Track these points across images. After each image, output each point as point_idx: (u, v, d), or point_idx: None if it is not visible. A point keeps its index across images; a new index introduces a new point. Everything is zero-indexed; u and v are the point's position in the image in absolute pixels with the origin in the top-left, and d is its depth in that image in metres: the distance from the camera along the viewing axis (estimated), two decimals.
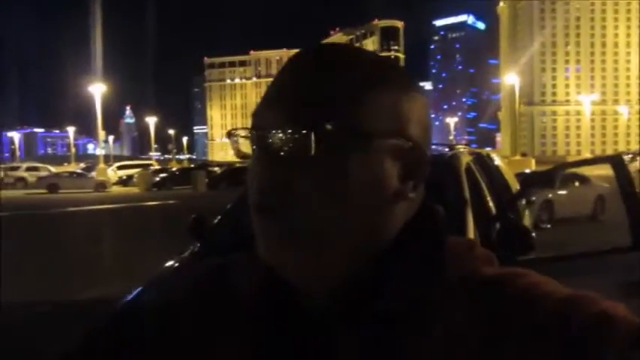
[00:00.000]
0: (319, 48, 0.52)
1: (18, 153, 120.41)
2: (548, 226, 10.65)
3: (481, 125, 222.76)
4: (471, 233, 2.59)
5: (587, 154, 67.35)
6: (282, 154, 0.47)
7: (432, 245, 0.50)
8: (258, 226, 0.49)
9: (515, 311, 0.44)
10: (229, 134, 0.51)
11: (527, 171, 15.88)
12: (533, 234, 2.78)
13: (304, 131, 0.46)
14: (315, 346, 0.48)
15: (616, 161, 2.64)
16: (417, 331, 0.46)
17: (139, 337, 0.54)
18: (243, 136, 0.51)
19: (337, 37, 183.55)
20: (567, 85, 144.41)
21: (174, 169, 39.15)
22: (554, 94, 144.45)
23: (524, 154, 60.90)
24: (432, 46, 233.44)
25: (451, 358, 0.45)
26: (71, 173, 35.37)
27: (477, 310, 0.45)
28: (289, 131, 0.47)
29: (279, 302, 0.51)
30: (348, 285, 0.48)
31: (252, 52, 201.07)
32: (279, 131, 0.47)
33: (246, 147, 0.50)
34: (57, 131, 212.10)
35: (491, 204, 3.31)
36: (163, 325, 0.54)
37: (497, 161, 4.53)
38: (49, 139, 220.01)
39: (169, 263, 3.45)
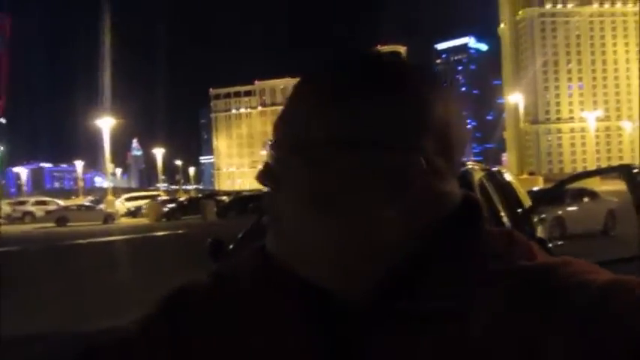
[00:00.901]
0: (319, 72, 0.53)
1: (25, 188, 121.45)
2: (561, 242, 10.60)
3: (487, 146, 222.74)
4: None
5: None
6: (275, 170, 0.50)
7: (471, 240, 0.50)
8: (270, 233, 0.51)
9: (556, 301, 0.43)
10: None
11: (536, 189, 15.86)
12: (550, 245, 2.81)
13: (287, 154, 0.49)
14: (356, 347, 0.48)
15: (624, 170, 2.68)
16: (457, 330, 0.45)
17: (196, 318, 0.54)
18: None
19: None
20: (571, 103, 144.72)
21: (182, 198, 39.30)
22: (558, 111, 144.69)
23: (531, 173, 60.65)
24: (435, 69, 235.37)
25: (494, 355, 0.44)
26: (80, 206, 35.69)
27: (519, 303, 0.45)
28: (276, 151, 0.50)
29: (316, 298, 0.51)
30: (383, 286, 0.48)
31: (256, 81, 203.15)
32: (275, 149, 0.51)
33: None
34: (65, 165, 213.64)
35: (505, 219, 3.34)
36: (221, 310, 0.54)
37: (509, 177, 4.56)
38: (56, 174, 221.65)
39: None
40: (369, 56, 0.52)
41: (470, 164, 3.81)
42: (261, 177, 0.51)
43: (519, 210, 3.99)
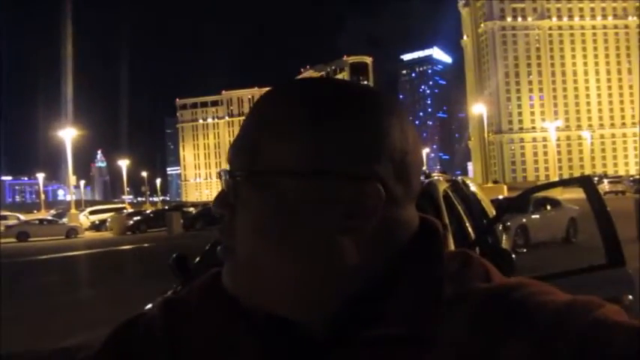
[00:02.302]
0: (272, 89, 0.52)
1: None
2: (524, 250, 10.80)
3: (452, 155, 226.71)
4: None
5: (555, 179, 68.94)
6: (227, 194, 0.50)
7: (429, 264, 0.49)
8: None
9: (514, 322, 0.44)
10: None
11: (501, 197, 16.17)
12: (513, 256, 2.84)
13: (237, 174, 0.49)
14: None
15: (585, 182, 2.73)
16: (417, 353, 0.45)
17: (145, 349, 0.54)
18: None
19: (308, 74, 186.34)
20: (532, 113, 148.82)
21: (148, 211, 38.62)
22: (520, 121, 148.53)
23: (495, 181, 61.98)
24: (401, 80, 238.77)
25: None
26: (41, 220, 34.48)
27: (478, 324, 0.45)
28: (225, 176, 0.50)
29: (278, 326, 0.50)
30: (343, 312, 0.48)
31: (223, 91, 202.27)
32: (227, 173, 0.50)
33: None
34: (25, 178, 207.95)
35: (470, 229, 3.38)
36: (172, 336, 0.54)
37: (473, 187, 4.63)
38: (17, 187, 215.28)
39: (149, 306, 3.39)
40: (322, 82, 0.52)
41: (434, 175, 3.84)
42: (217, 203, 0.50)
43: (484, 220, 4.05)
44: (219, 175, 0.50)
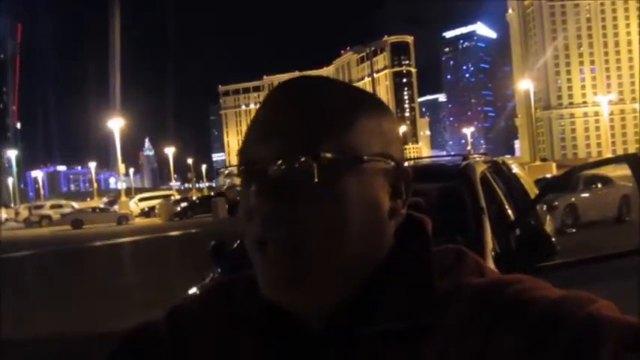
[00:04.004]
0: (298, 81, 0.52)
1: (42, 192, 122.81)
2: (573, 230, 10.46)
3: (498, 133, 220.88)
4: (489, 242, 2.56)
5: (608, 155, 66.20)
6: (283, 185, 0.47)
7: (421, 260, 0.50)
8: (260, 262, 0.48)
9: (508, 317, 0.44)
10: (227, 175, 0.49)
11: (549, 176, 15.69)
12: (553, 239, 2.74)
13: (303, 160, 0.47)
14: None
15: (633, 160, 2.60)
16: (412, 348, 0.46)
17: (152, 355, 0.55)
18: (236, 174, 0.51)
19: (348, 56, 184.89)
20: (583, 87, 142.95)
21: (194, 197, 39.47)
22: (570, 96, 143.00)
23: (544, 159, 60.03)
24: (444, 58, 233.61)
25: None
26: (94, 208, 35.87)
27: (472, 319, 0.45)
28: (291, 162, 0.47)
29: (279, 324, 0.51)
30: (342, 308, 0.49)
31: (265, 76, 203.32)
32: (279, 163, 0.47)
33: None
34: (79, 168, 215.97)
35: (509, 211, 3.27)
36: (175, 341, 0.55)
37: (515, 168, 4.48)
38: (71, 176, 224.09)
39: (192, 290, 3.47)
40: (352, 86, 0.54)
41: (473, 157, 3.74)
42: (274, 196, 0.48)
43: (525, 201, 3.92)
44: (246, 169, 0.50)
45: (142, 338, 0.57)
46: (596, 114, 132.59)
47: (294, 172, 0.47)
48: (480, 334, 0.44)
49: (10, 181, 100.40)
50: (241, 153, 0.51)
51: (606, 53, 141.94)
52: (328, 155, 0.47)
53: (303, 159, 0.47)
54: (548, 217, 4.70)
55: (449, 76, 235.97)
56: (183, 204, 33.63)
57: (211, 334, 0.54)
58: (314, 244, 0.47)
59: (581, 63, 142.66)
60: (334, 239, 0.47)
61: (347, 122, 0.49)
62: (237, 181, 0.48)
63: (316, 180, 0.46)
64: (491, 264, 2.41)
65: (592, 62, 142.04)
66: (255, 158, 0.49)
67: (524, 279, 0.47)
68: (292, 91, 0.51)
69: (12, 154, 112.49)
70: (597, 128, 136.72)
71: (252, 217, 0.48)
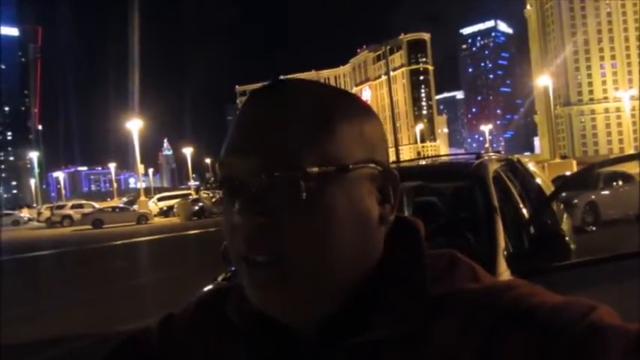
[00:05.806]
0: (276, 87, 0.50)
1: (64, 192, 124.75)
2: (594, 228, 10.30)
3: (518, 130, 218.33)
4: (501, 241, 2.54)
5: (631, 152, 64.92)
6: (267, 201, 0.46)
7: (413, 266, 0.49)
8: (247, 276, 0.47)
9: (507, 323, 0.43)
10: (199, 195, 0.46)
11: (568, 173, 15.46)
12: (568, 238, 2.70)
13: (287, 175, 0.45)
14: None
15: None
16: (406, 355, 0.45)
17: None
18: (212, 191, 0.55)
19: (364, 55, 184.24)
20: (604, 82, 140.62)
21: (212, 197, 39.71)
22: (590, 92, 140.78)
23: (564, 157, 59.12)
24: (462, 55, 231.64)
25: None
26: (114, 208, 36.26)
27: (468, 325, 0.44)
28: (274, 177, 0.46)
29: (267, 334, 0.51)
30: (332, 318, 0.48)
31: (281, 76, 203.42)
32: (262, 179, 0.46)
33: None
34: (99, 168, 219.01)
35: (524, 210, 3.24)
36: (165, 350, 0.56)
37: (530, 166, 4.43)
38: (92, 177, 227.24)
39: (206, 289, 3.50)
40: (334, 88, 0.53)
41: (486, 155, 3.70)
42: (256, 210, 0.46)
43: (540, 200, 3.87)
44: (219, 181, 0.49)
45: (128, 352, 0.57)
46: (618, 110, 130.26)
47: (277, 187, 0.46)
48: (477, 341, 0.43)
49: (33, 182, 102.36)
50: (222, 165, 0.49)
51: (627, 48, 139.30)
52: (313, 169, 0.45)
53: (286, 174, 0.45)
54: (565, 216, 4.64)
55: (467, 73, 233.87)
56: (201, 203, 33.88)
57: (201, 342, 0.54)
58: (301, 259, 0.46)
59: (602, 58, 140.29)
60: (322, 252, 0.46)
61: (329, 131, 0.47)
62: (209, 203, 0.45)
63: (302, 194, 0.45)
64: (503, 264, 2.39)
65: (613, 57, 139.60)
66: (236, 173, 0.47)
67: (519, 284, 0.47)
68: (270, 98, 0.49)
69: (34, 155, 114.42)
70: (619, 124, 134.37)
71: (236, 234, 0.47)
